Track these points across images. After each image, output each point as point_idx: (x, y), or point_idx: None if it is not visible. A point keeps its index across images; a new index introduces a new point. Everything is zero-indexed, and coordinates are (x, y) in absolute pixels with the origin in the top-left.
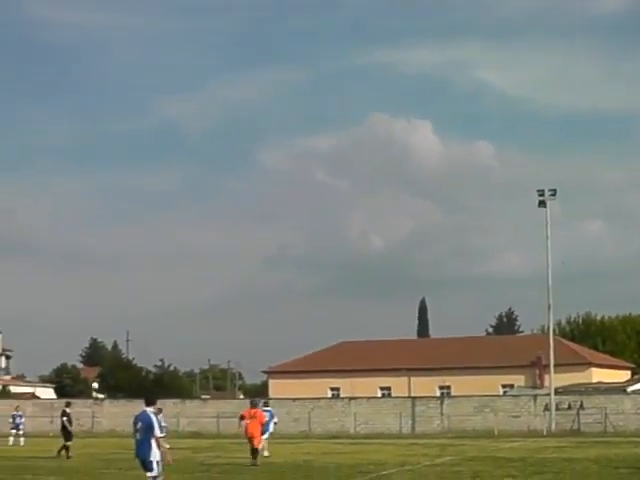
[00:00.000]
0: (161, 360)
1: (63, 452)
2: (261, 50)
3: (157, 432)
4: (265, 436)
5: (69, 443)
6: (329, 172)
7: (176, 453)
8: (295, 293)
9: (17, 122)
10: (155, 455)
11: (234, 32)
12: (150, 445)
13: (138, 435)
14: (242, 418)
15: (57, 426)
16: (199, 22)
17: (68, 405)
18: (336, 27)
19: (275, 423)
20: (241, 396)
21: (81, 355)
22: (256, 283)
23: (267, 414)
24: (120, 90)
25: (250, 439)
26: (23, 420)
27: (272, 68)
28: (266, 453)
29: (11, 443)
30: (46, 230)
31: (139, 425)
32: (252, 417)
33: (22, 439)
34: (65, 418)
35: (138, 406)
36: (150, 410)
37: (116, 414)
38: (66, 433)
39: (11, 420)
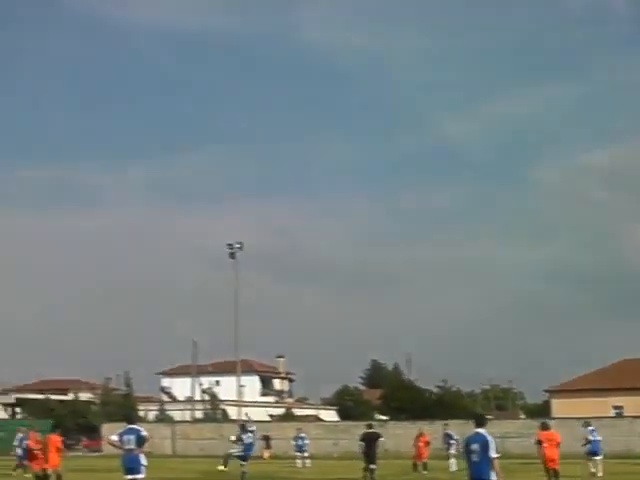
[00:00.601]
0: (444, 381)
1: (367, 474)
2: (532, 66)
3: (493, 453)
4: (599, 457)
5: (373, 466)
6: (604, 187)
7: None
8: (573, 309)
9: (301, 144)
10: (492, 476)
11: (505, 51)
12: (489, 466)
13: (475, 457)
14: (540, 442)
15: (341, 448)
16: (471, 41)
17: (370, 427)
18: (607, 40)
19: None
20: (522, 416)
21: (361, 377)
22: (535, 299)
23: (592, 433)
24: (402, 110)
25: (548, 462)
26: (306, 442)
27: (545, 83)
28: (600, 474)
29: (299, 465)
30: (328, 251)
31: (474, 446)
32: (549, 440)
33: (308, 461)
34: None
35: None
36: (483, 431)
37: (400, 436)
38: (369, 455)
39: (294, 442)
